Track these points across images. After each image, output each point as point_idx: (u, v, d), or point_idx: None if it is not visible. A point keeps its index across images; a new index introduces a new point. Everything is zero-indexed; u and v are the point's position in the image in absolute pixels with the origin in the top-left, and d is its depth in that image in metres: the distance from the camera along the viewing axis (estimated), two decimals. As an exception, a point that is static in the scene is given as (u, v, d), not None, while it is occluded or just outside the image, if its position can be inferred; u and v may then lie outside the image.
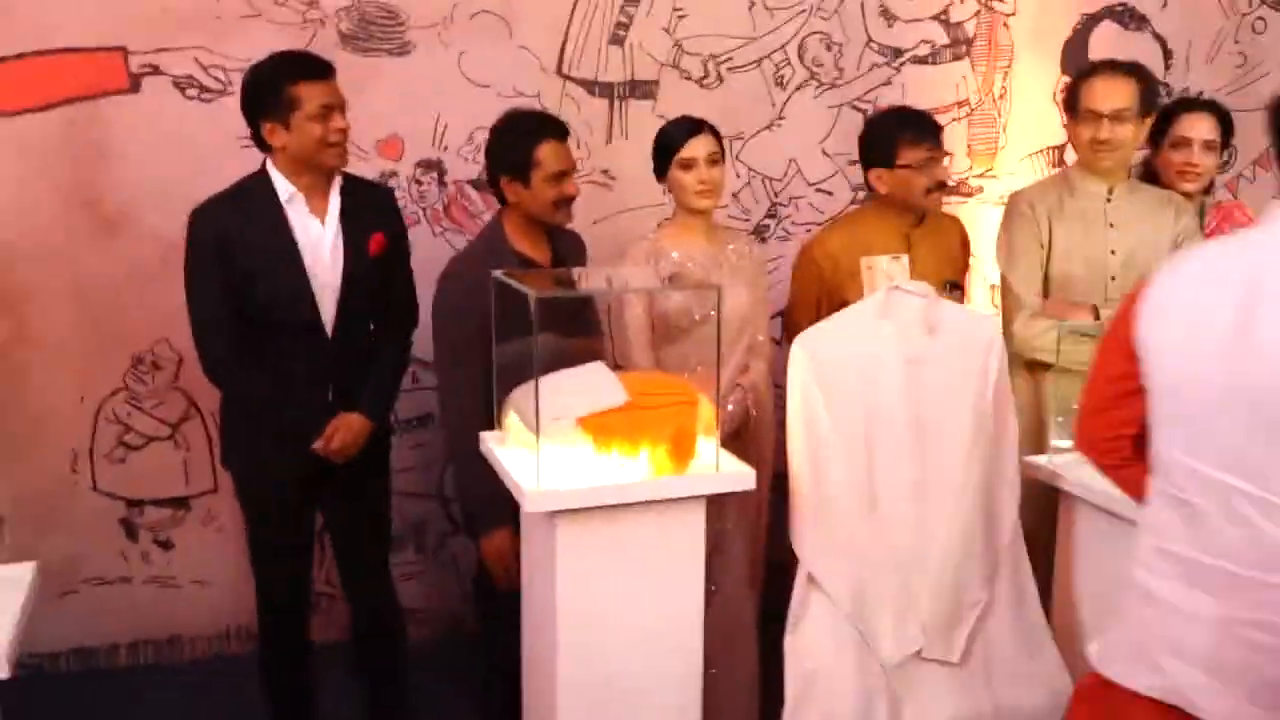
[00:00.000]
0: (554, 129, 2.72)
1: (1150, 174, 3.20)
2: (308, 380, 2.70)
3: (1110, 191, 2.88)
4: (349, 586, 2.95)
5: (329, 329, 2.71)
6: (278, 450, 2.70)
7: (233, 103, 3.13)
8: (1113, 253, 2.85)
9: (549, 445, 2.11)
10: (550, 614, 2.17)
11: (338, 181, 2.73)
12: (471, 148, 3.40)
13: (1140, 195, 2.92)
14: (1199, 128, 3.09)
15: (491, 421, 2.45)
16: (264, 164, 2.69)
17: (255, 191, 2.67)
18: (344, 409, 2.72)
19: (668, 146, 2.80)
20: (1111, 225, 2.86)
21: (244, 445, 2.78)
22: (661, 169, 2.83)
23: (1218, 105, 3.24)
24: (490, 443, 2.36)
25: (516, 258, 2.68)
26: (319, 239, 2.68)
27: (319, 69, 2.63)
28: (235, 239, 2.61)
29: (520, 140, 2.67)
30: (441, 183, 3.43)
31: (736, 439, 2.75)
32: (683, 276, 2.75)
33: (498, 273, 2.35)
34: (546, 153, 2.66)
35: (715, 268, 2.82)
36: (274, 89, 2.59)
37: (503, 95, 3.37)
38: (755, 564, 2.90)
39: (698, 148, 2.76)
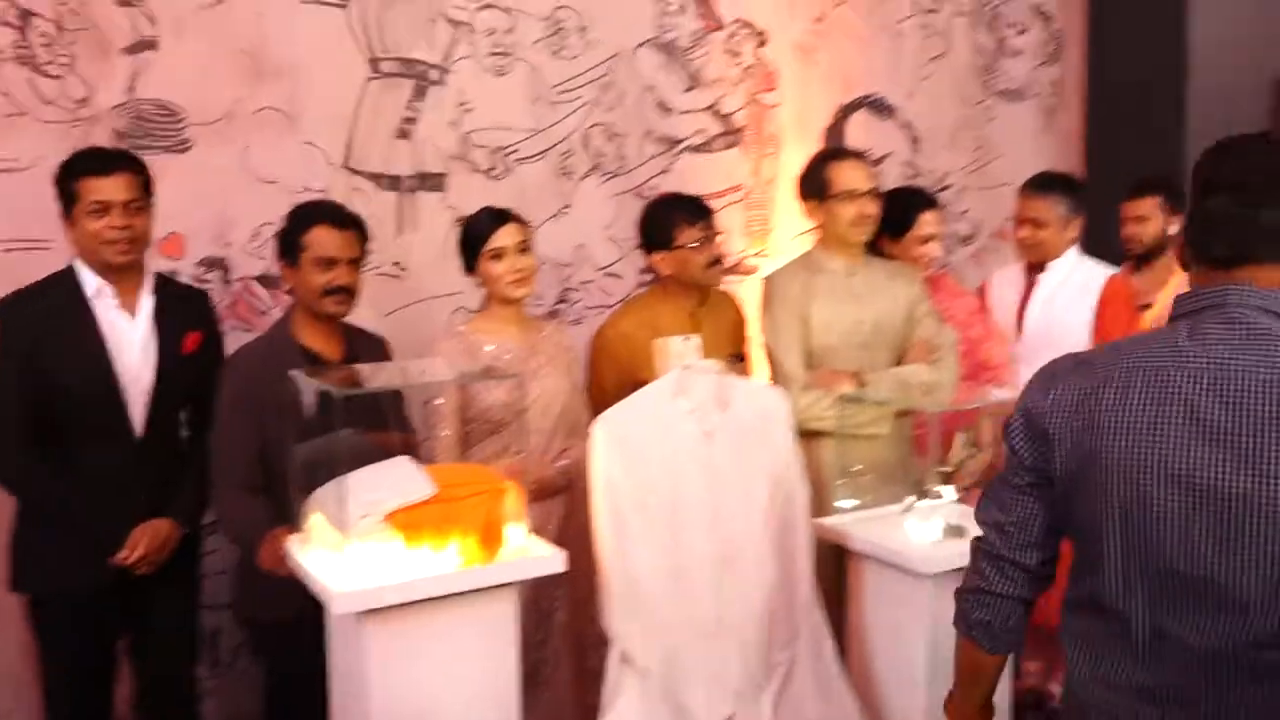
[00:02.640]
0: (330, 215, 2.66)
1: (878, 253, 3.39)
2: (115, 486, 2.56)
3: (850, 267, 3.09)
4: (147, 710, 2.76)
5: (138, 429, 2.60)
6: (79, 564, 2.53)
7: (-3, 205, 3.00)
8: (862, 322, 3.05)
9: (358, 543, 2.08)
10: (364, 715, 2.12)
11: (150, 280, 2.67)
12: (257, 244, 3.33)
13: (875, 268, 3.13)
14: (931, 221, 3.33)
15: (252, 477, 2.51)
16: (71, 261, 2.62)
17: (61, 286, 2.59)
18: (153, 514, 2.59)
19: (475, 238, 2.80)
20: (857, 297, 3.06)
21: (39, 563, 2.59)
22: (470, 262, 2.83)
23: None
24: (292, 547, 2.30)
25: (302, 351, 2.61)
26: (128, 334, 2.60)
27: (98, 164, 2.57)
28: (40, 333, 2.51)
29: (294, 224, 2.64)
30: (226, 280, 3.34)
31: (563, 509, 2.81)
32: (497, 370, 2.75)
33: (297, 373, 2.31)
34: (316, 236, 2.59)
35: (531, 356, 2.84)
36: (62, 183, 2.58)
37: (289, 190, 3.32)
38: (589, 637, 2.86)
39: (505, 237, 2.78)
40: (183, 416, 2.75)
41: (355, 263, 2.65)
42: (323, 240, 2.59)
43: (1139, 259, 3.70)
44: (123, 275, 2.63)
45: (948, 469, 2.99)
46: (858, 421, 2.94)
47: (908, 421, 2.96)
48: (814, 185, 3.07)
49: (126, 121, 3.17)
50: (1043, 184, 3.53)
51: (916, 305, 3.10)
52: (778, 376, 3.02)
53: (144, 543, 2.57)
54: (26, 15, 3.03)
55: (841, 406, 2.89)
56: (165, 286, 2.74)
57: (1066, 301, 3.47)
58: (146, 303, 2.66)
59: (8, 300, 2.58)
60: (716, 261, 3.09)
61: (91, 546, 2.55)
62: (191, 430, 2.74)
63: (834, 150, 3.35)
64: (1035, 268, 3.54)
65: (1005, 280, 3.69)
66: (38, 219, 2.99)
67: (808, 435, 2.97)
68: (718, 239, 3.11)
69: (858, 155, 3.17)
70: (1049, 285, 3.51)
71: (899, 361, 3.09)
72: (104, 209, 2.55)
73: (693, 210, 3.07)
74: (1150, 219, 3.64)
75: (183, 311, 2.72)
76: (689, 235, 3.01)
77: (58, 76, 3.08)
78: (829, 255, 3.09)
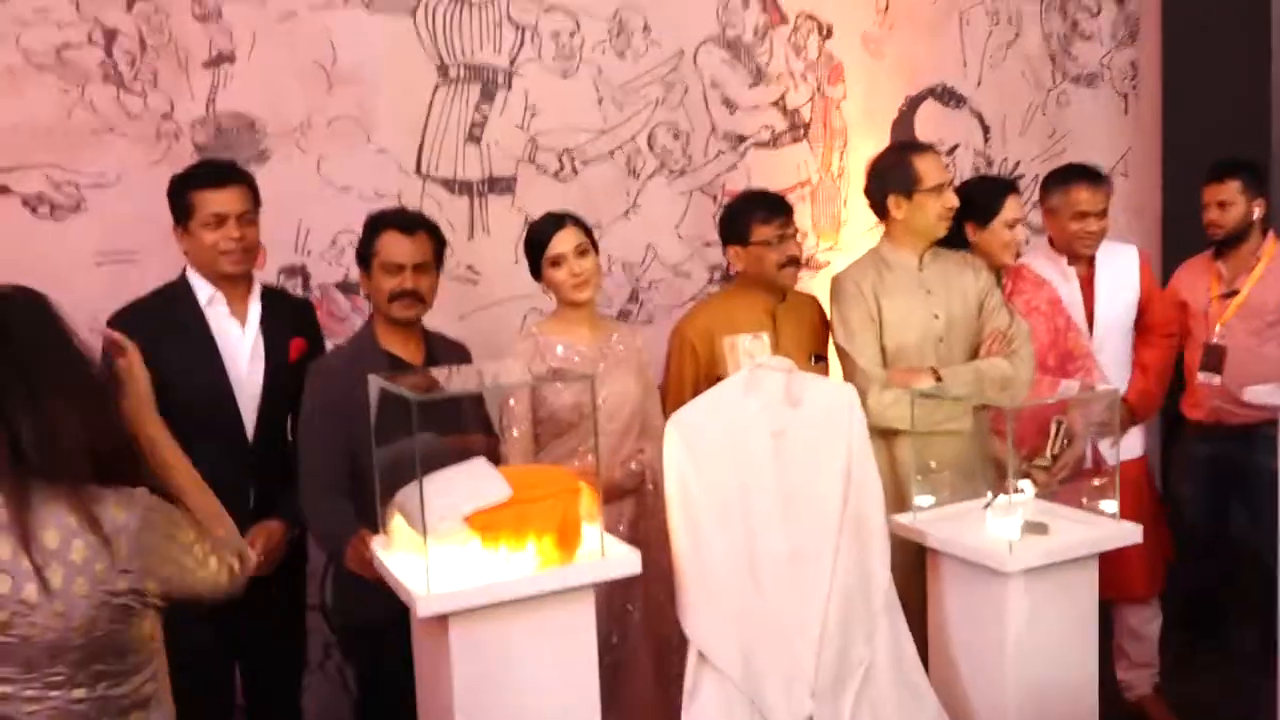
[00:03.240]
0: (397, 221, 2.69)
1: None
2: (230, 488, 2.60)
3: (920, 261, 3.04)
4: (255, 710, 2.82)
5: (250, 434, 2.67)
6: None
7: (86, 220, 3.10)
8: (936, 316, 3.01)
9: (438, 546, 2.11)
10: (447, 715, 2.15)
11: (257, 289, 2.75)
12: (334, 251, 3.41)
13: (943, 260, 3.07)
14: (1015, 206, 3.26)
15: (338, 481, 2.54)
16: (183, 271, 2.71)
17: (175, 295, 2.68)
18: (263, 517, 2.66)
19: (536, 246, 2.83)
20: (929, 292, 3.02)
21: None
22: (536, 269, 2.86)
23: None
24: (376, 547, 2.34)
25: (386, 357, 2.65)
26: (239, 342, 2.69)
27: (215, 176, 2.66)
28: (157, 341, 2.54)
29: (366, 232, 2.69)
30: (306, 288, 3.42)
31: (634, 511, 2.84)
32: (566, 372, 2.77)
33: (375, 377, 2.35)
34: (384, 243, 2.63)
35: (600, 359, 2.85)
36: (177, 195, 2.66)
37: (364, 198, 3.39)
38: (669, 639, 2.86)
39: (562, 243, 2.80)
40: (288, 421, 2.81)
41: (423, 268, 2.66)
42: (389, 246, 2.63)
43: (1221, 244, 3.61)
44: (233, 285, 2.71)
45: (1044, 462, 2.94)
46: (935, 419, 2.89)
47: (984, 416, 2.92)
48: (900, 179, 3.00)
49: (208, 134, 3.25)
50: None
51: (987, 297, 3.05)
52: (855, 376, 2.99)
53: (260, 543, 2.63)
54: (111, 34, 3.13)
55: (921, 404, 2.85)
56: (271, 295, 2.83)
57: None
58: (255, 311, 2.74)
59: (126, 310, 2.66)
60: (792, 261, 3.08)
61: None
62: (295, 436, 2.80)
63: (913, 144, 3.31)
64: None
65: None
66: (127, 231, 3.11)
67: (885, 433, 2.95)
68: (794, 238, 3.09)
69: (931, 148, 3.14)
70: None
71: (974, 355, 3.04)
72: (220, 221, 2.64)
73: (770, 207, 3.07)
74: (1233, 203, 3.54)
75: (287, 319, 2.80)
76: (763, 233, 3.02)
77: (141, 93, 3.18)
78: (897, 250, 3.05)
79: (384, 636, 2.48)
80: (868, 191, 3.10)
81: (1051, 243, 3.49)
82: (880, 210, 3.07)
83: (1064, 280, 3.41)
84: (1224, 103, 4.47)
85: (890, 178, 3.02)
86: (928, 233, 3.01)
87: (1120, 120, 4.84)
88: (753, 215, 3.05)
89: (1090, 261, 3.45)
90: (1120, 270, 3.47)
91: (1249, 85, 4.44)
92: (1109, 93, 4.80)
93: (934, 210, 2.97)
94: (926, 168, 2.97)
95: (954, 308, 3.02)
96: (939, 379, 2.91)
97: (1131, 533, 2.64)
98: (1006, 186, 3.32)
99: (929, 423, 2.86)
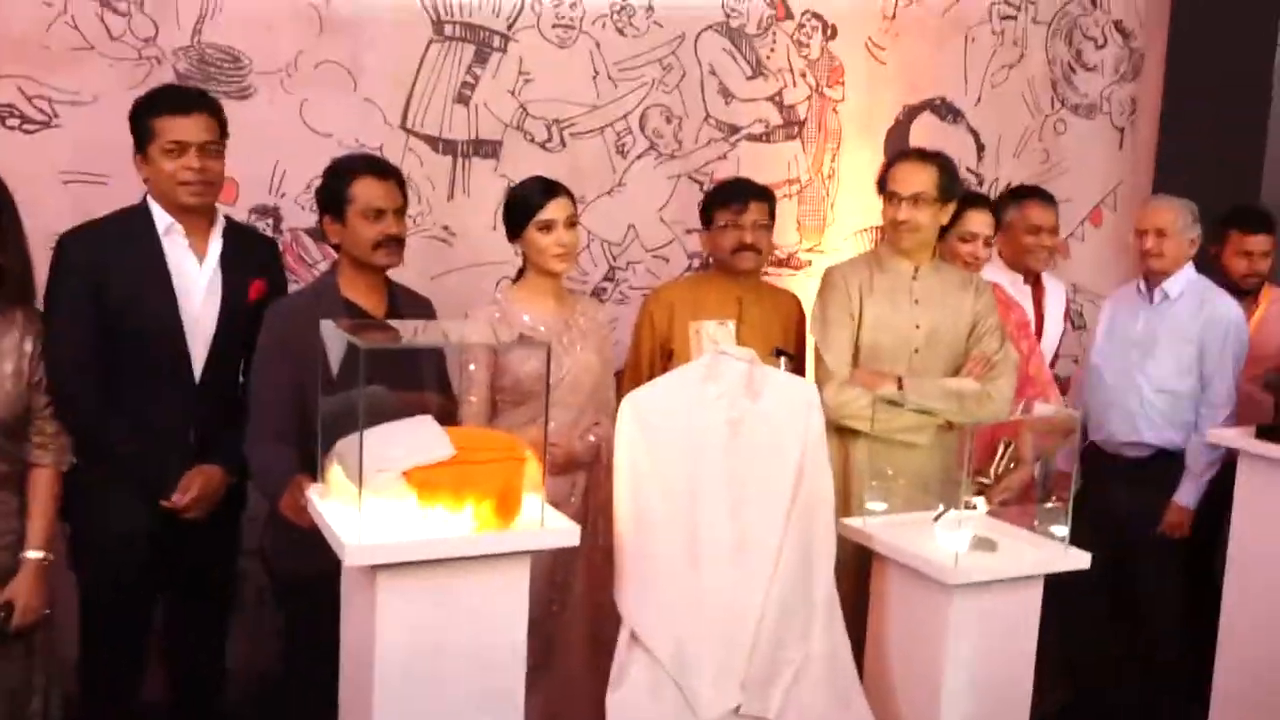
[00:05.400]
0: (373, 166, 2.63)
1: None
2: (170, 429, 2.56)
3: (916, 270, 3.00)
4: (174, 647, 2.77)
5: (197, 373, 2.59)
6: (128, 503, 2.53)
7: (59, 135, 3.03)
8: (917, 326, 2.97)
9: (373, 498, 2.05)
10: (368, 669, 2.10)
11: (220, 224, 2.65)
12: (309, 196, 3.33)
13: (943, 275, 3.04)
14: (980, 222, 3.25)
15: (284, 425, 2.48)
16: (144, 196, 2.60)
17: (133, 221, 2.57)
18: (204, 459, 2.59)
19: (525, 208, 2.76)
20: (916, 301, 2.98)
21: (84, 498, 2.56)
22: (516, 230, 2.79)
23: (990, 201, 3.51)
24: (312, 494, 2.28)
25: (345, 305, 2.58)
26: (195, 276, 2.59)
27: (178, 103, 2.55)
28: (108, 267, 2.48)
29: (336, 177, 2.61)
30: (277, 230, 3.35)
31: (585, 483, 2.81)
32: (527, 339, 2.72)
33: (328, 322, 2.29)
34: (362, 188, 2.56)
35: (565, 331, 2.81)
36: (138, 119, 2.55)
37: (344, 145, 3.32)
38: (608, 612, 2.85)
39: (556, 210, 2.74)
40: (241, 364, 2.72)
41: (400, 213, 2.62)
42: (370, 191, 2.55)
43: (1245, 293, 3.62)
44: (193, 217, 2.60)
45: (986, 480, 2.91)
46: (893, 426, 2.86)
47: (952, 434, 2.88)
48: (880, 182, 3.02)
49: (190, 64, 3.19)
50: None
51: (982, 320, 3.00)
52: (818, 369, 2.96)
53: (196, 487, 2.56)
54: (100, -50, 3.06)
55: (877, 408, 2.82)
56: (234, 231, 2.71)
57: None
58: (215, 246, 2.62)
59: (80, 229, 2.56)
60: (746, 247, 3.05)
61: (142, 487, 2.54)
62: (247, 378, 2.72)
63: (907, 150, 3.32)
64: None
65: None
66: (99, 153, 3.03)
67: (844, 433, 2.92)
68: (754, 226, 3.07)
69: (918, 158, 3.05)
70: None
71: (954, 373, 3.00)
72: (180, 149, 2.53)
73: (733, 191, 3.11)
74: (1268, 254, 3.60)
75: (250, 258, 2.70)
76: (722, 216, 3.07)
77: (126, 14, 3.10)
78: (893, 255, 3.01)
79: (316, 587, 2.42)
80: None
81: (1001, 256, 3.54)
82: None
83: (1017, 295, 3.43)
84: (1219, 147, 4.46)
85: (879, 181, 3.04)
86: (892, 243, 3.00)
87: (1114, 153, 4.82)
88: (715, 199, 3.13)
89: (1038, 281, 3.54)
90: (1059, 299, 3.63)
91: (1245, 132, 4.43)
92: (1106, 125, 4.78)
93: (887, 216, 2.97)
94: (894, 175, 2.96)
95: (940, 322, 2.98)
96: (901, 387, 2.87)
97: (1078, 559, 2.62)
98: (971, 199, 3.30)
99: (888, 429, 2.83)
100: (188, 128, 2.54)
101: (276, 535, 2.65)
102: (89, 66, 3.06)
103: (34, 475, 2.44)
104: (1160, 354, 3.42)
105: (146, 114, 2.55)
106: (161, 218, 2.58)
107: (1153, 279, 3.48)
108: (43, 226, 2.92)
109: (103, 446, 2.54)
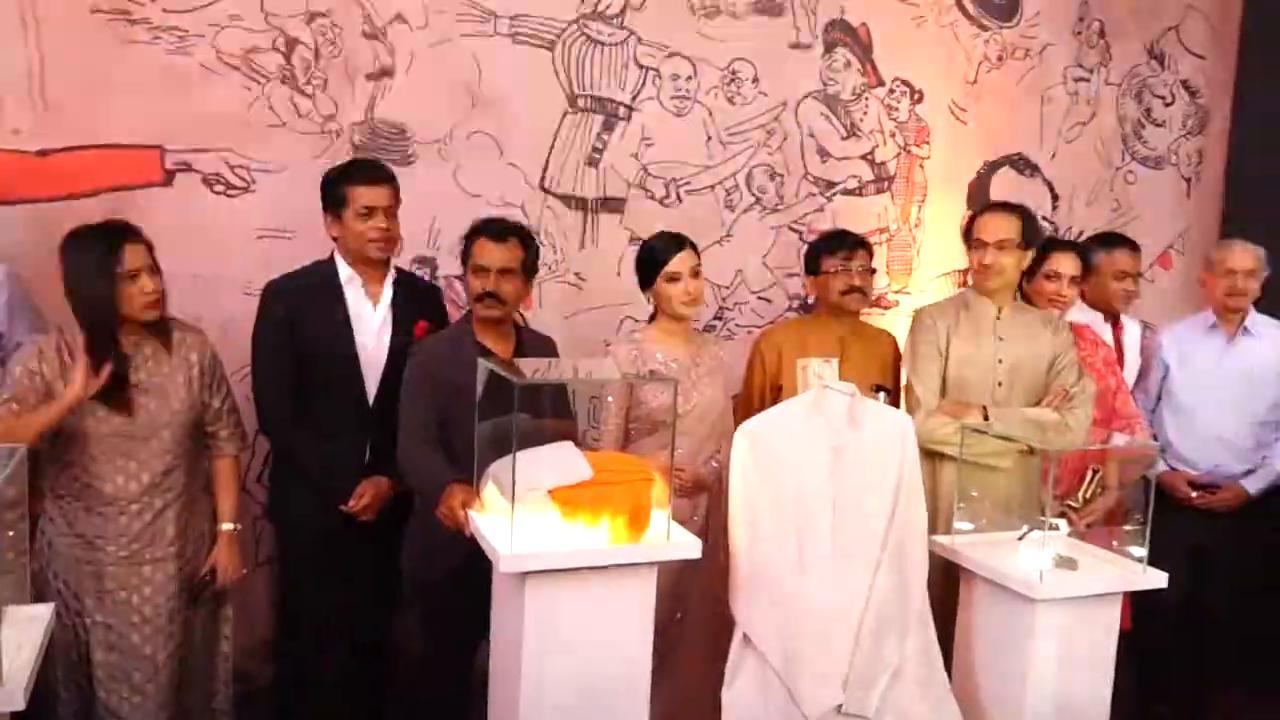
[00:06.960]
0: (489, 229, 2.63)
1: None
2: (348, 443, 2.72)
3: (999, 311, 2.96)
4: (347, 640, 2.85)
5: (370, 398, 2.74)
6: (319, 506, 2.70)
7: (255, 199, 3.20)
8: (1000, 361, 2.93)
9: (523, 514, 2.12)
10: (516, 660, 2.16)
11: (392, 274, 2.82)
12: (461, 249, 3.44)
13: (1025, 315, 3.00)
14: (1066, 264, 3.15)
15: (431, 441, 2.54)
16: (331, 252, 2.80)
17: (320, 272, 2.77)
18: (375, 471, 2.73)
19: (654, 260, 2.80)
20: (1000, 339, 2.94)
21: (287, 502, 2.79)
22: (647, 281, 2.84)
23: (1077, 245, 3.40)
24: (472, 514, 2.35)
25: (478, 346, 2.61)
26: (370, 319, 2.76)
27: (369, 174, 2.73)
28: (301, 310, 2.69)
29: (466, 237, 2.68)
30: (434, 277, 3.47)
31: (706, 505, 2.82)
32: (657, 374, 2.76)
33: (484, 360, 2.36)
34: (477, 248, 2.61)
35: (693, 367, 2.85)
36: (334, 186, 2.73)
37: (492, 204, 3.43)
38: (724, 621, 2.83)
39: (682, 263, 2.79)
40: None
41: (508, 273, 2.59)
42: (479, 251, 2.61)
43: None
44: (372, 268, 2.78)
45: (1075, 504, 2.85)
46: (979, 451, 2.82)
47: (1034, 459, 2.83)
48: (966, 230, 3.02)
49: (364, 136, 3.33)
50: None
51: (1061, 355, 2.94)
52: (910, 400, 2.94)
53: (368, 495, 2.68)
54: (292, 43, 3.23)
55: (963, 435, 2.78)
56: (403, 279, 2.88)
57: None
58: (388, 293, 2.80)
59: (278, 281, 2.77)
60: (853, 290, 3.04)
61: (326, 491, 2.68)
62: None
63: (992, 202, 3.29)
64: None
65: None
66: (287, 214, 3.19)
67: (933, 458, 2.89)
68: (859, 270, 3.06)
69: (1003, 209, 3.00)
70: None
71: (1035, 404, 2.94)
72: (370, 212, 2.71)
73: (837, 241, 3.10)
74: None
75: (417, 302, 2.85)
76: (829, 263, 3.06)
77: (311, 96, 3.27)
78: (978, 297, 2.98)
79: (443, 587, 2.54)
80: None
81: (1084, 298, 3.39)
82: None
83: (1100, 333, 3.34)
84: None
85: (965, 231, 3.03)
86: (978, 286, 2.96)
87: (1182, 201, 4.67)
88: (822, 247, 3.12)
89: (1117, 320, 3.44)
90: (1135, 337, 3.51)
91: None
92: (1173, 175, 4.64)
93: (974, 261, 2.94)
94: (980, 225, 2.93)
95: (1022, 358, 2.93)
96: (986, 417, 2.84)
97: (1156, 578, 2.54)
98: (1056, 243, 3.24)
99: (974, 454, 2.79)
100: (378, 195, 2.71)
101: (410, 544, 2.71)
102: (280, 140, 3.23)
103: (218, 464, 2.60)
104: (1258, 388, 3.32)
105: (343, 182, 2.72)
106: (344, 269, 2.75)
107: (1232, 316, 3.37)
108: (238, 273, 3.13)
109: (293, 454, 2.74)
